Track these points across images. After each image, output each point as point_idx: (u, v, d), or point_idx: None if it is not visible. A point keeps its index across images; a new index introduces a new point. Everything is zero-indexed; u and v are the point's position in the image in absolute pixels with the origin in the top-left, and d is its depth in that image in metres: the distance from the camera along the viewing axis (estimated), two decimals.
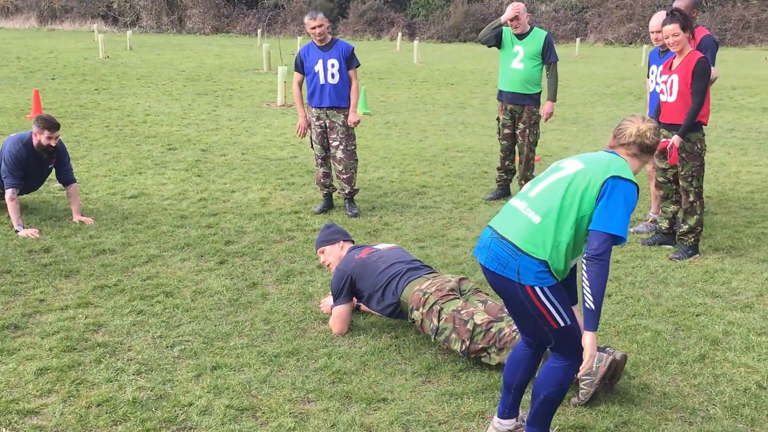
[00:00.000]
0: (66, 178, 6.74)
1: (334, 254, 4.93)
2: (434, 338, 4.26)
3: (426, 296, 4.31)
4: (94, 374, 4.00)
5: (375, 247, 4.85)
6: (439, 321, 4.22)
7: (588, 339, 3.07)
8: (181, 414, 3.65)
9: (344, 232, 5.13)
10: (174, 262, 5.76)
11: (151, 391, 3.85)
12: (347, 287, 4.58)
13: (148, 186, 8.06)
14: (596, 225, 3.06)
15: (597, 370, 3.74)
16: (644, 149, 3.29)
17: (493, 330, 4.08)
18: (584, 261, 3.05)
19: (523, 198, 3.28)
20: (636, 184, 3.15)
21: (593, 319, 3.05)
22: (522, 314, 3.25)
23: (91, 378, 3.96)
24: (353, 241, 5.14)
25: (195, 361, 4.18)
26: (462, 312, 4.20)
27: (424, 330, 4.32)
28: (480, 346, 4.08)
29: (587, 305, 3.05)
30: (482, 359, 4.12)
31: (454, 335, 4.16)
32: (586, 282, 3.03)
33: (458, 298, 4.33)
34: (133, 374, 4.02)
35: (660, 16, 6.45)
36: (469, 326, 4.11)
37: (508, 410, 3.48)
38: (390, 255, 4.69)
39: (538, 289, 3.12)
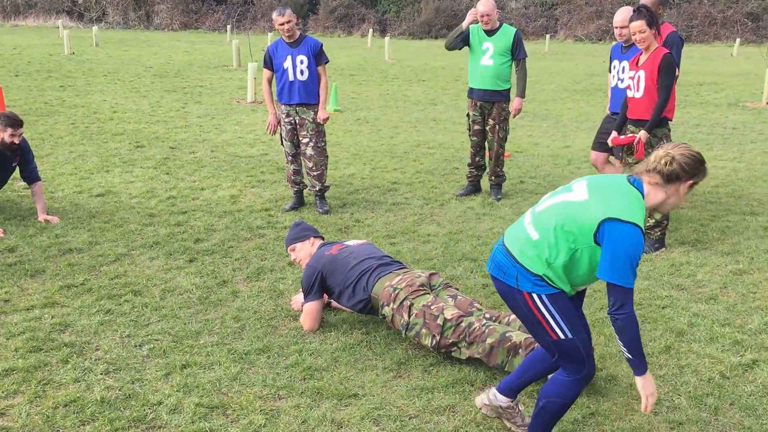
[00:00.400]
0: (30, 177, 6.64)
1: (304, 251, 4.93)
2: (405, 333, 4.28)
3: (396, 292, 4.33)
4: (61, 374, 3.96)
5: (345, 243, 4.86)
6: (409, 316, 4.24)
7: (639, 383, 3.03)
8: (151, 413, 3.63)
9: (314, 229, 5.12)
10: (142, 261, 5.71)
11: (119, 390, 3.82)
12: (318, 284, 4.58)
13: (116, 184, 7.97)
14: (603, 275, 2.95)
15: None
16: (665, 178, 3.01)
17: (463, 324, 4.10)
18: (609, 317, 2.98)
19: (531, 212, 3.23)
20: (638, 226, 2.91)
21: (637, 366, 3.01)
22: (525, 322, 3.21)
23: (58, 378, 3.92)
24: (323, 238, 5.14)
25: (164, 359, 4.16)
26: (432, 307, 4.22)
27: (395, 325, 4.33)
28: (450, 341, 4.11)
29: (625, 356, 3.01)
30: (452, 354, 4.14)
31: (424, 330, 4.17)
32: (617, 336, 2.98)
33: (428, 293, 4.35)
34: (101, 374, 3.98)
35: (624, 11, 6.55)
36: (440, 321, 4.13)
37: (509, 390, 3.49)
38: (360, 251, 4.70)
39: (535, 296, 3.08)
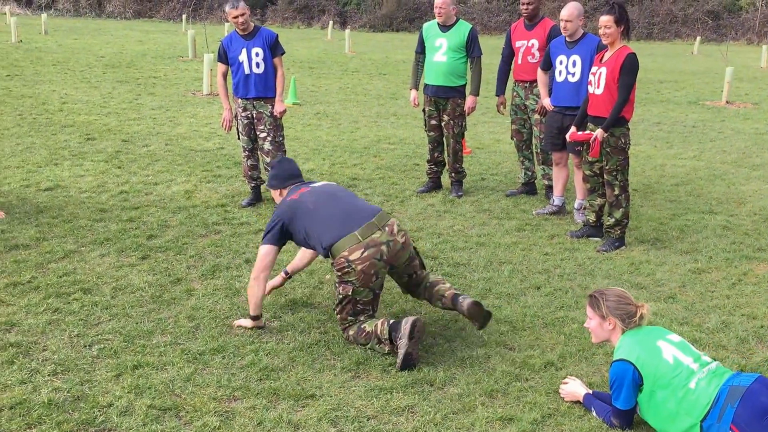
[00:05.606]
0: None
1: (276, 198, 4.82)
2: (335, 297, 4.43)
3: (349, 269, 4.24)
4: (7, 376, 3.83)
5: (311, 185, 4.66)
6: (342, 292, 4.30)
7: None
8: (100, 415, 3.53)
9: (284, 177, 4.77)
10: (92, 258, 5.55)
11: (67, 392, 3.70)
12: (277, 230, 4.46)
13: (65, 178, 7.76)
14: None
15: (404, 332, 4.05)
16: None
17: (366, 329, 4.27)
18: None
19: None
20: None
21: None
22: None
23: (3, 380, 3.79)
24: (301, 181, 4.82)
25: (115, 360, 4.04)
26: (359, 306, 4.30)
27: (331, 282, 4.43)
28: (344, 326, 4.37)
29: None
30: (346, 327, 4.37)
31: (337, 305, 4.36)
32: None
33: (372, 291, 4.31)
34: (49, 375, 3.86)
35: (571, 6, 6.64)
36: (350, 319, 4.33)
37: None
38: (324, 198, 4.49)
39: None
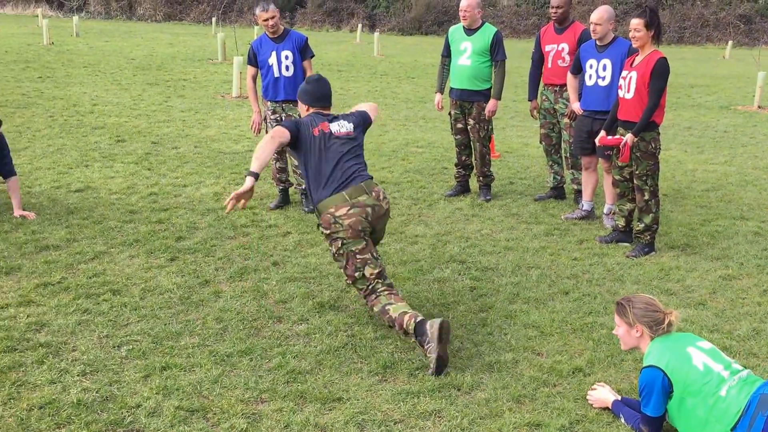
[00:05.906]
0: (5, 171, 6.47)
1: (302, 112, 4.89)
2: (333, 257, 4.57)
3: (336, 225, 4.39)
4: (36, 375, 3.86)
5: (332, 124, 4.66)
6: (337, 251, 4.45)
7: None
8: (129, 416, 3.55)
9: (321, 97, 4.82)
10: (122, 259, 5.59)
11: (96, 392, 3.73)
12: (296, 126, 4.55)
13: (95, 179, 7.83)
14: None
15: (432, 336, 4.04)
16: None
17: (375, 288, 4.40)
18: None
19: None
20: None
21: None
22: None
23: (32, 379, 3.82)
24: (326, 107, 4.86)
25: (143, 361, 4.06)
26: (358, 257, 4.40)
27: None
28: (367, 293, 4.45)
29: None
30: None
31: (342, 271, 4.52)
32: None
33: (363, 239, 4.42)
34: (78, 375, 3.89)
35: (601, 10, 6.60)
36: (357, 275, 4.41)
37: None
38: (331, 152, 4.55)
39: None
